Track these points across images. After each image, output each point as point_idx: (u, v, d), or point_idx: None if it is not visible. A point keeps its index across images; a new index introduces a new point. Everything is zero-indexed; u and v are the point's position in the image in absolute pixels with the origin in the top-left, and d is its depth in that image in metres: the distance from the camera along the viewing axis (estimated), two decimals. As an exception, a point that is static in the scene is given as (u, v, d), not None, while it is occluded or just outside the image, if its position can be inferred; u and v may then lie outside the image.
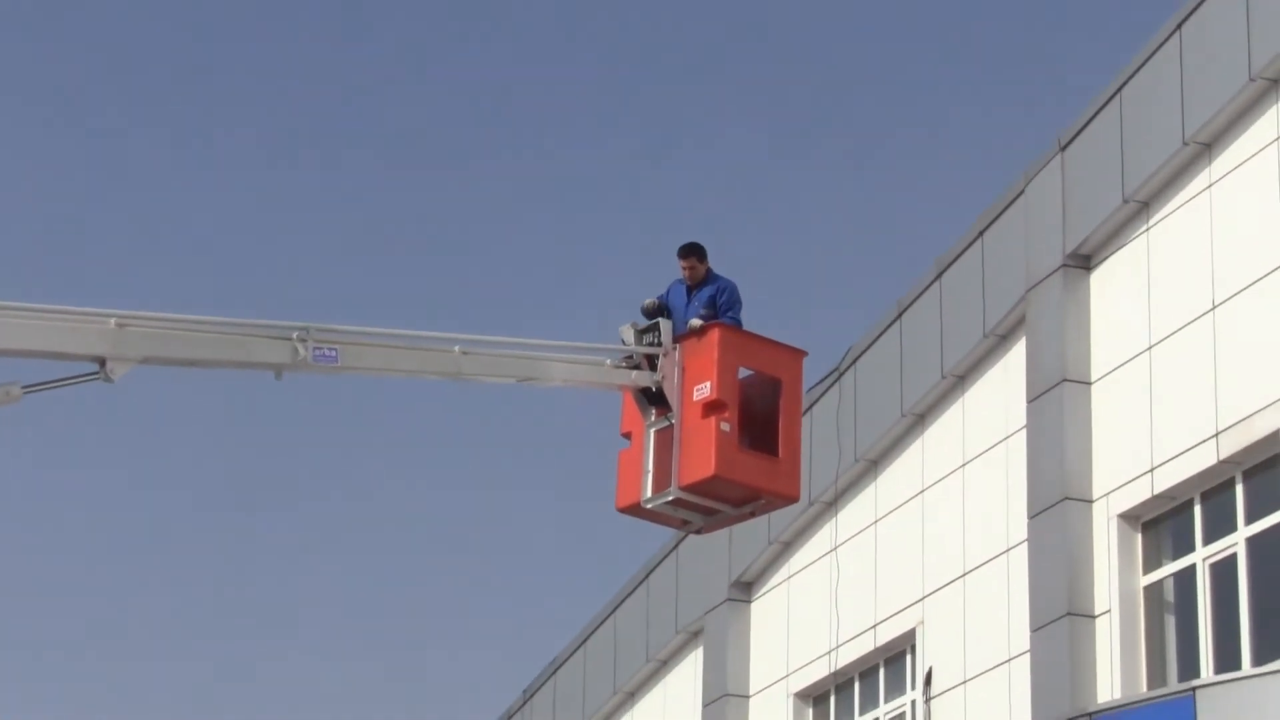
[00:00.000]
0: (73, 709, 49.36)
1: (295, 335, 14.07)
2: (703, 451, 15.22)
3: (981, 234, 22.42)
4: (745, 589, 26.18)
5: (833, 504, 24.75)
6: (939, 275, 23.13)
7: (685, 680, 27.52)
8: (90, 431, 53.80)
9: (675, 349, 15.62)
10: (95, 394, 14.08)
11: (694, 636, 27.31)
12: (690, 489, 15.37)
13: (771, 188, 54.60)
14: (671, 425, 15.47)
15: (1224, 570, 19.15)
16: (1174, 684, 18.56)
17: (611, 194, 55.75)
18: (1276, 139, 19.11)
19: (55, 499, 52.48)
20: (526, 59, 55.69)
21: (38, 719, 48.33)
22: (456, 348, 14.88)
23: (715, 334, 15.52)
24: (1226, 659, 18.85)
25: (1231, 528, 19.14)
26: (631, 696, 28.71)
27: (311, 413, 56.11)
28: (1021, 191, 21.80)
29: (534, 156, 55.56)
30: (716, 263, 16.34)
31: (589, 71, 55.79)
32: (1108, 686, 19.64)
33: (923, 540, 23.23)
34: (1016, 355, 21.94)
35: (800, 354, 15.95)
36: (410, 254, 55.74)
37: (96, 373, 13.34)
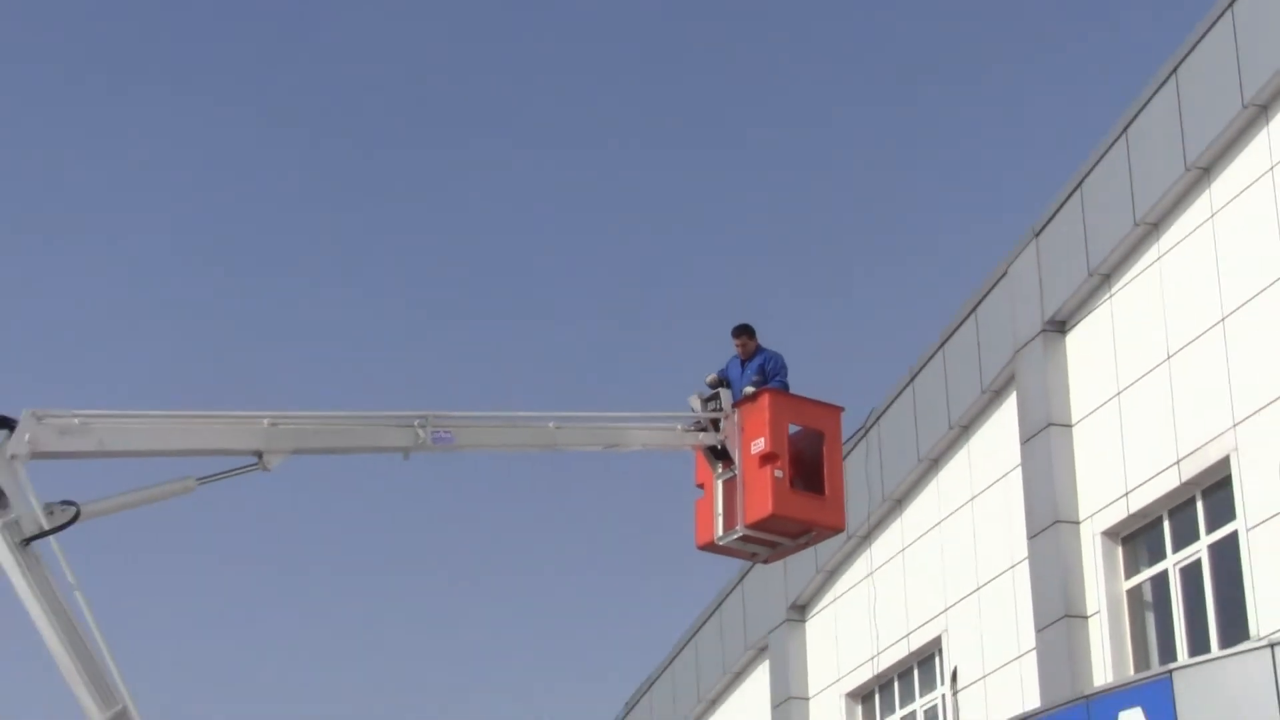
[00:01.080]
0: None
1: (417, 422, 13.80)
2: (762, 495, 15.10)
3: (975, 308, 22.27)
4: (800, 610, 25.81)
5: (867, 537, 24.43)
6: (942, 344, 22.90)
7: (757, 687, 27.00)
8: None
9: (734, 413, 15.45)
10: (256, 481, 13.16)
11: (761, 651, 26.89)
12: (754, 526, 15.28)
13: (799, 279, 53.87)
14: (735, 475, 15.37)
15: (1191, 573, 18.89)
16: (1155, 667, 18.17)
17: (652, 281, 54.01)
18: (1210, 219, 18.76)
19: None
20: (583, 122, 54.48)
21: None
22: (551, 423, 14.59)
23: (766, 398, 15.43)
24: (1198, 645, 18.62)
25: (1195, 537, 18.92)
26: (713, 703, 28.34)
27: (423, 481, 54.29)
28: (1005, 273, 21.68)
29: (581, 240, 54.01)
30: (765, 339, 16.28)
31: (613, 141, 53.84)
32: (1101, 673, 19.45)
33: (943, 562, 22.85)
34: (1009, 406, 21.70)
35: (838, 410, 15.82)
36: (480, 330, 54.08)
37: (256, 464, 13.16)
